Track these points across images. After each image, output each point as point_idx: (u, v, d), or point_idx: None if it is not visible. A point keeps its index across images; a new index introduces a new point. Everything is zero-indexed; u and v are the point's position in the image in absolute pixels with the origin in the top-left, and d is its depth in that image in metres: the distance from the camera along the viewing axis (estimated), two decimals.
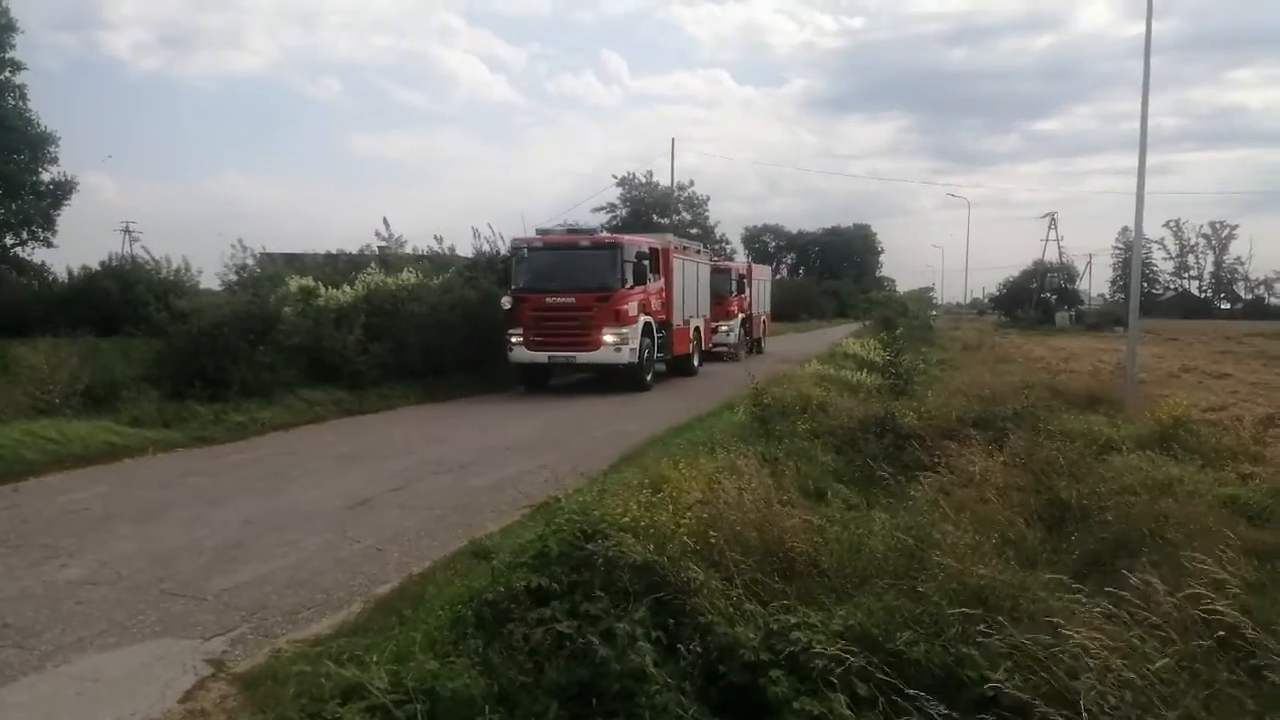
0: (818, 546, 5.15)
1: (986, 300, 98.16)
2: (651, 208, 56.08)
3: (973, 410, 10.99)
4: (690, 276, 22.55)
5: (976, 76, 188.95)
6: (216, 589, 5.77)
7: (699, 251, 24.76)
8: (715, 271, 26.94)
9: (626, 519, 4.72)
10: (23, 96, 38.44)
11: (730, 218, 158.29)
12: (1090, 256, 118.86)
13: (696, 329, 23.03)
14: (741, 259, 57.86)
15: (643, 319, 18.39)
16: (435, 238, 22.86)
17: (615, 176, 57.17)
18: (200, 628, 5.13)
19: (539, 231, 20.00)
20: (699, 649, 3.92)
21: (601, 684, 3.66)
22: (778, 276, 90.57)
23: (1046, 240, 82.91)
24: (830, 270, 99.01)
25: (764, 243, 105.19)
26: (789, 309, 64.21)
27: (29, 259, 38.41)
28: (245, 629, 5.12)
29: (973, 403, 11.67)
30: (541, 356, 17.67)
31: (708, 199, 64.28)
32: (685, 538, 4.59)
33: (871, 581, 4.75)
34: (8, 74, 38.38)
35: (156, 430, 11.32)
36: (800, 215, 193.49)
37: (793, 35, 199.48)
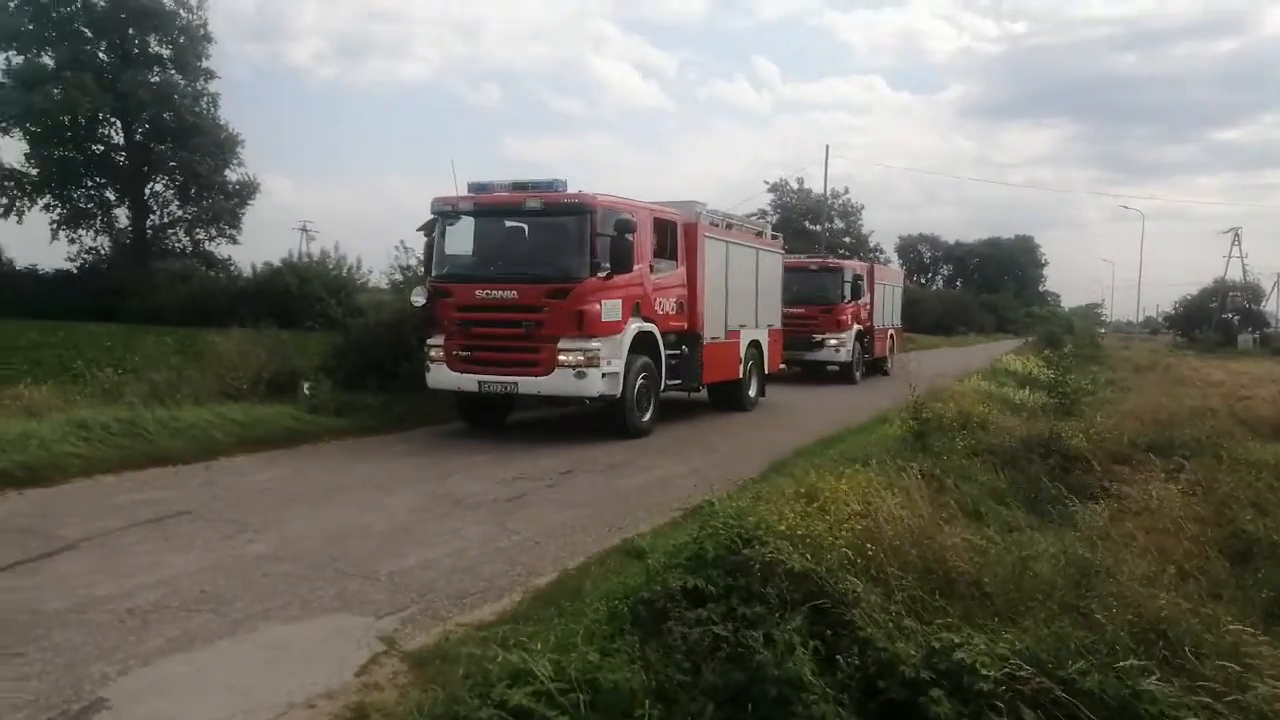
0: (979, 567, 5.02)
1: (1160, 319, 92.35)
2: (803, 215, 55.58)
3: (1146, 434, 10.42)
4: (741, 268, 15.58)
5: (1148, 83, 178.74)
6: (387, 570, 6.10)
7: (762, 235, 17.48)
8: (821, 270, 23.55)
9: (782, 526, 4.72)
10: (214, 103, 41.63)
11: (883, 226, 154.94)
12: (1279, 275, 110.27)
13: (754, 344, 16.14)
14: (894, 265, 56.24)
15: (632, 327, 11.94)
16: None
17: (767, 182, 56.91)
18: (373, 606, 5.43)
19: (472, 188, 12.30)
20: (857, 662, 3.89)
21: (758, 688, 3.69)
22: (934, 288, 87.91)
23: (1229, 257, 77.57)
24: (989, 283, 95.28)
25: (919, 253, 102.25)
26: (944, 322, 62.25)
27: (217, 254, 41.54)
28: (415, 609, 5.39)
29: (1146, 426, 11.05)
30: (470, 381, 11.68)
31: (862, 207, 63.13)
32: (844, 549, 4.55)
33: (1037, 606, 4.59)
34: (202, 82, 41.70)
35: (330, 418, 12.03)
36: (957, 225, 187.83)
37: (951, 40, 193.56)
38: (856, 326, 23.29)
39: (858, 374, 23.48)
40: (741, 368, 15.57)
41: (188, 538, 6.78)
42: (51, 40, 38.94)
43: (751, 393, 16.20)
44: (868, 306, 24.68)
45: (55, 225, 40.88)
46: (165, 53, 40.71)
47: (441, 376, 11.96)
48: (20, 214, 40.51)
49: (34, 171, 40.36)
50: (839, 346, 22.65)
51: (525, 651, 3.84)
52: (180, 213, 42.97)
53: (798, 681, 3.66)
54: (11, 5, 38.29)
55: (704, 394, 15.66)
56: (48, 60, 38.80)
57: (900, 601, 4.36)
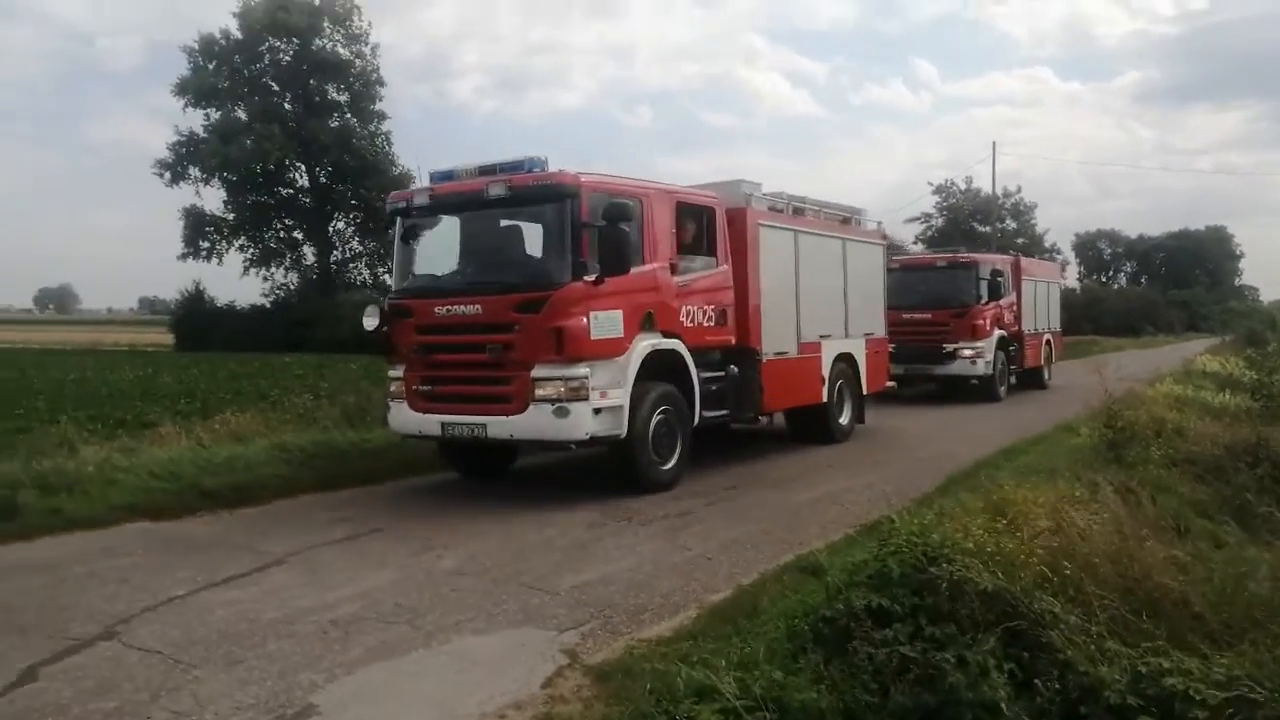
0: (1186, 585, 4.68)
1: None
2: (971, 216, 53.57)
3: None
4: (819, 263, 12.56)
5: None
6: (567, 585, 6.25)
7: (853, 221, 14.07)
8: (951, 267, 19.65)
9: (970, 544, 4.55)
10: (388, 142, 44.10)
11: (1056, 224, 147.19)
12: None
13: (844, 358, 13.07)
14: (1070, 266, 53.33)
15: (641, 345, 9.21)
16: None
17: (931, 184, 55.10)
18: (555, 620, 5.57)
19: (434, 177, 9.80)
20: (1057, 686, 3.70)
21: (950, 712, 3.57)
22: (1115, 286, 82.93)
23: None
24: (1177, 279, 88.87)
25: (1098, 249, 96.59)
26: (1129, 322, 58.55)
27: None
28: (594, 624, 5.50)
29: None
30: (432, 424, 9.25)
31: (1034, 206, 60.25)
32: (1038, 566, 4.34)
33: (1256, 628, 4.24)
34: (376, 124, 44.34)
35: None
36: (1138, 218, 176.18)
37: (1123, 24, 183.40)
38: (998, 332, 19.55)
39: (1002, 389, 19.75)
40: (826, 389, 12.57)
41: (381, 554, 7.17)
42: (244, 95, 42.39)
43: (843, 419, 13.19)
44: (1013, 308, 20.87)
45: (248, 264, 44.39)
46: (343, 99, 43.56)
47: (402, 418, 9.52)
48: (220, 256, 44.32)
49: (230, 216, 44.00)
50: (975, 357, 18.87)
51: (708, 669, 3.85)
52: (360, 248, 45.83)
53: (993, 706, 3.53)
54: (209, 67, 41.86)
55: (762, 424, 13.13)
56: (241, 114, 42.24)
57: (1101, 622, 4.12)
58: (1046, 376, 22.98)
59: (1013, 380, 20.78)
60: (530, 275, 8.99)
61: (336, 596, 6.03)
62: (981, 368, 18.99)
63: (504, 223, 9.73)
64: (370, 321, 9.57)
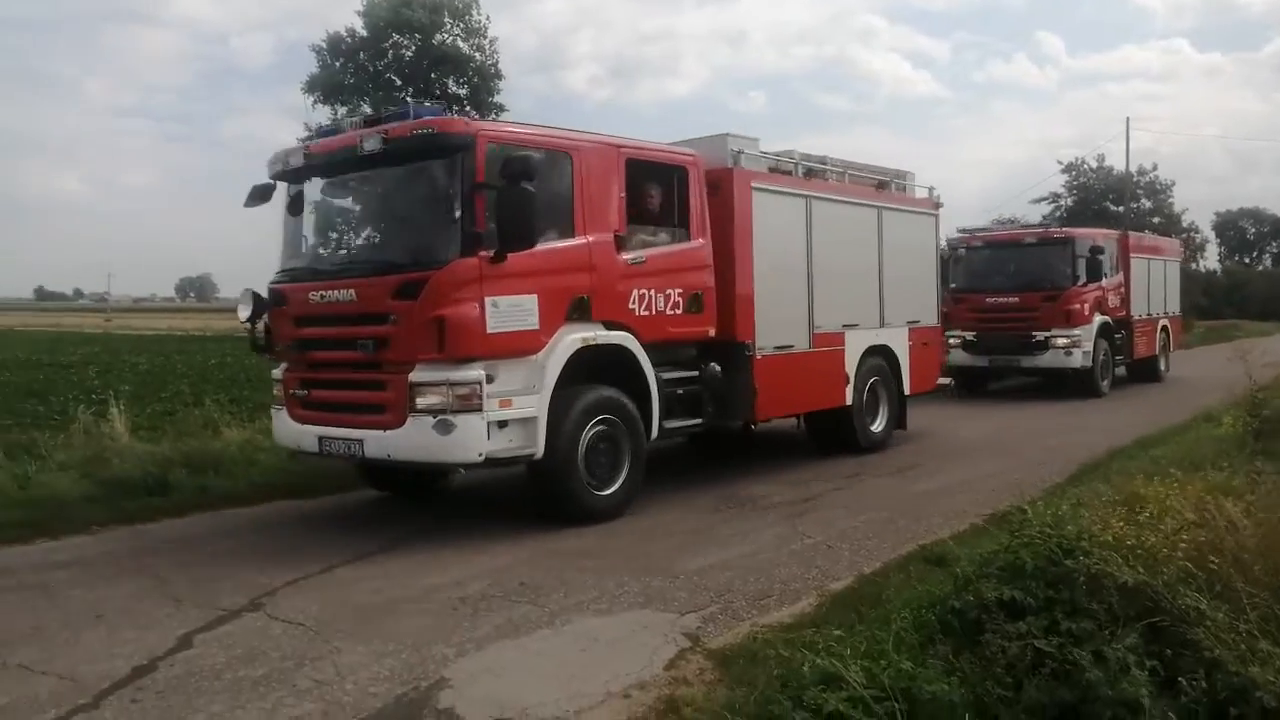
0: None
1: None
2: (1102, 195, 51.14)
3: None
4: (842, 236, 10.54)
5: None
6: (687, 569, 6.30)
7: (889, 186, 11.74)
8: (1041, 243, 17.41)
9: (1107, 536, 4.38)
10: None
11: (1195, 202, 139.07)
12: None
13: (878, 352, 11.15)
14: (1210, 246, 50.28)
15: (567, 339, 7.47)
16: None
17: (1060, 162, 52.73)
18: (676, 603, 5.62)
19: (320, 134, 8.17)
20: (1204, 685, 3.53)
21: (1088, 709, 3.44)
22: (1260, 267, 78.05)
23: None
24: None
25: (1240, 229, 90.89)
26: (1275, 307, 55.02)
27: None
28: (715, 609, 5.53)
29: None
30: (309, 438, 7.60)
31: (1171, 184, 57.08)
32: (1183, 561, 4.14)
33: None
34: (494, 116, 45.13)
35: None
36: None
37: None
38: (1100, 318, 17.24)
39: (1104, 383, 17.43)
40: (851, 389, 10.54)
41: (507, 533, 7.30)
42: (368, 91, 43.70)
43: (876, 425, 11.12)
44: (1120, 289, 18.40)
45: None
46: (462, 93, 44.45)
47: (282, 428, 7.92)
48: None
49: None
50: (1071, 347, 16.57)
51: (833, 656, 3.82)
52: None
53: (1134, 704, 3.39)
54: (336, 64, 43.40)
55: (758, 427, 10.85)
56: (366, 109, 43.58)
57: (1252, 620, 3.90)
58: (1162, 367, 20.59)
59: (1120, 372, 18.91)
60: (411, 252, 7.17)
61: (465, 574, 6.24)
62: (1078, 359, 16.66)
63: (388, 187, 7.86)
64: (243, 310, 7.99)
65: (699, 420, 8.74)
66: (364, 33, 43.04)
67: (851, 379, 10.62)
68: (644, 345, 8.01)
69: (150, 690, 4.42)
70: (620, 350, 7.88)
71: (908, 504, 8.35)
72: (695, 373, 8.74)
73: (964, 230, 18.92)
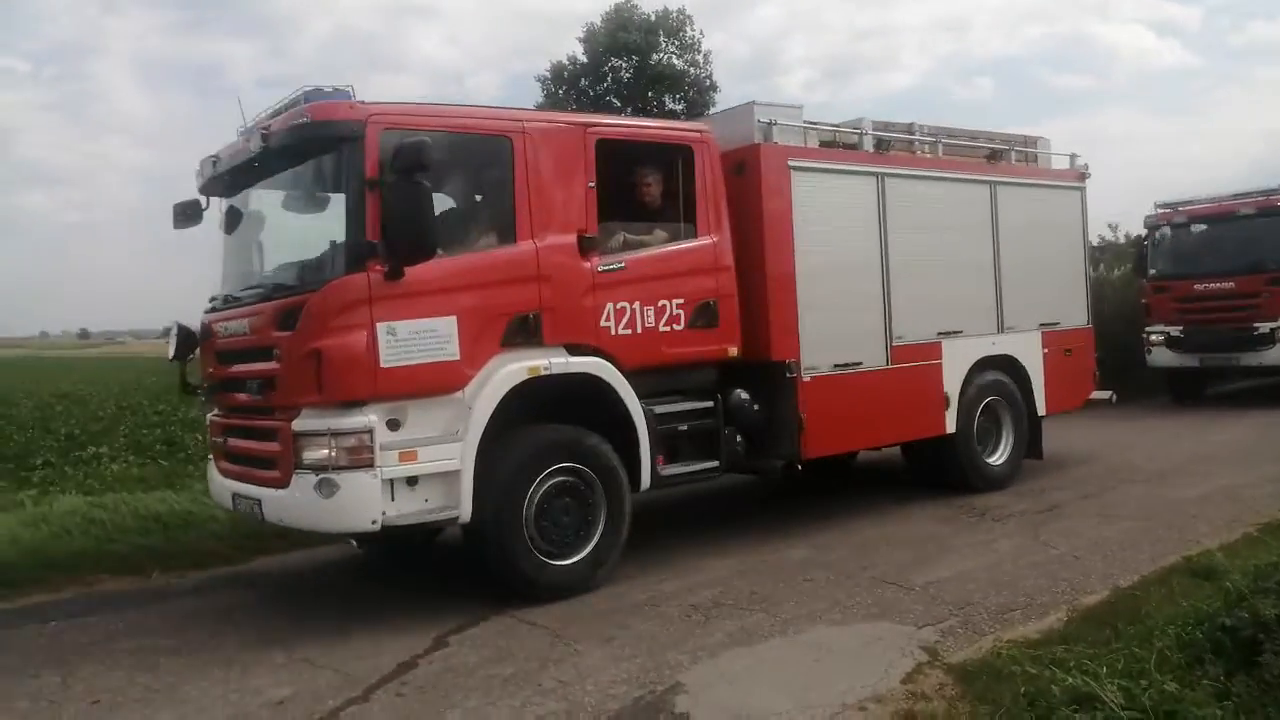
0: None
1: None
2: None
3: None
4: (934, 221, 8.49)
5: None
6: (922, 581, 6.11)
7: (1003, 157, 9.44)
8: (1261, 214, 14.30)
9: None
10: None
11: None
12: None
13: (998, 364, 9.08)
14: None
15: (501, 371, 5.93)
16: (1109, 225, 21.01)
17: None
18: (911, 615, 5.46)
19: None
20: None
21: None
22: None
23: None
24: None
25: None
26: None
27: None
28: (953, 622, 5.32)
29: None
30: (225, 493, 6.47)
31: None
32: None
33: None
34: None
35: None
36: None
37: None
38: None
39: None
40: (952, 412, 8.47)
41: (727, 543, 7.35)
42: (590, 112, 45.37)
43: (996, 456, 9.05)
44: None
45: None
46: (678, 108, 45.28)
47: (212, 482, 6.80)
48: None
49: None
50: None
51: (1087, 675, 3.60)
52: None
53: None
54: (560, 92, 45.41)
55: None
56: None
57: None
58: None
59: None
60: (298, 271, 6.12)
61: (694, 581, 6.34)
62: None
63: (284, 193, 6.62)
64: (170, 346, 6.87)
65: (715, 463, 6.97)
66: (584, 59, 44.78)
67: (954, 400, 8.50)
68: (627, 372, 6.36)
69: (412, 685, 4.79)
70: (590, 381, 6.26)
71: (1167, 512, 7.72)
72: (709, 403, 6.96)
73: (1164, 205, 15.87)
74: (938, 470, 8.83)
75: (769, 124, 7.47)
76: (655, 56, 43.34)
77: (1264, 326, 13.97)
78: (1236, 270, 14.43)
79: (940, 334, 8.50)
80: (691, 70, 44.20)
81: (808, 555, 6.94)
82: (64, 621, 6.11)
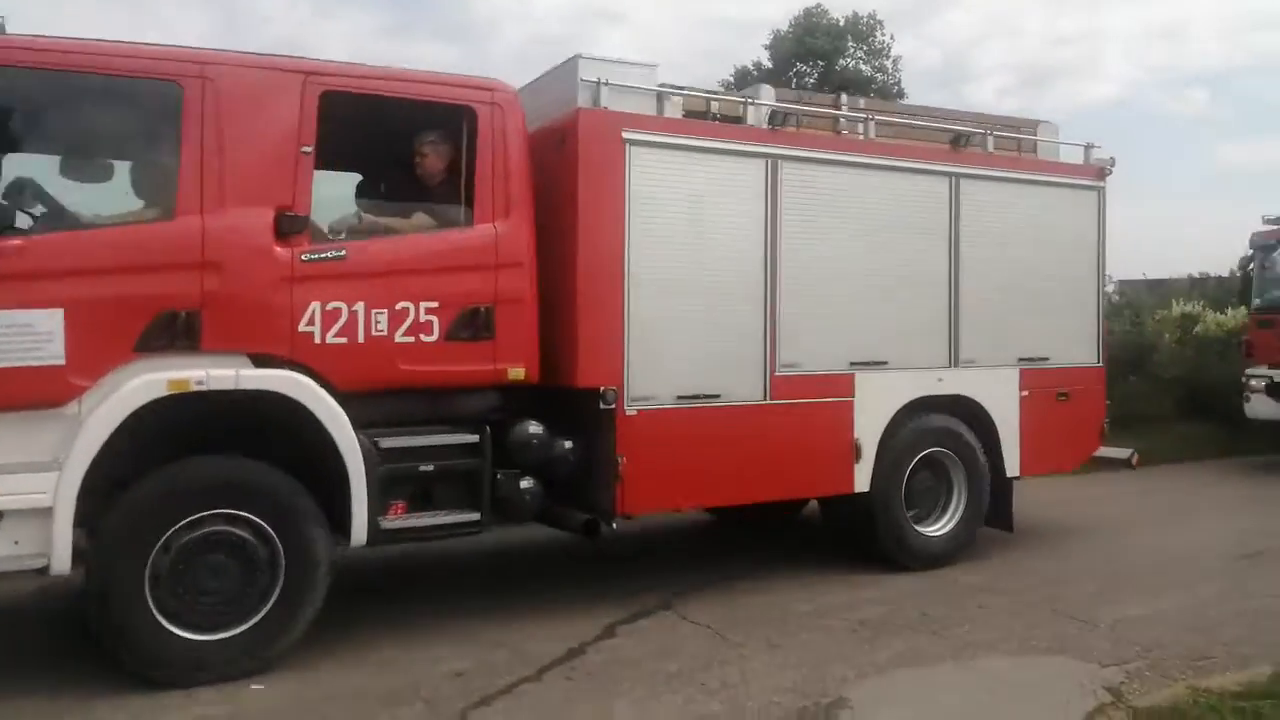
0: None
1: None
2: None
3: None
4: (849, 217, 6.63)
5: None
6: (1108, 618, 5.79)
7: (961, 142, 7.17)
8: None
9: None
10: None
11: None
12: None
13: (931, 406, 7.04)
14: None
15: (132, 384, 4.57)
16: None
17: None
18: (1095, 653, 5.19)
19: None
20: None
21: None
22: None
23: None
24: None
25: None
26: None
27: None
28: (1141, 664, 5.02)
29: None
30: None
31: None
32: None
33: None
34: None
35: None
36: None
37: None
38: None
39: None
40: (865, 465, 6.66)
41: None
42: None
43: (935, 527, 7.15)
44: None
45: None
46: None
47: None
48: None
49: None
50: None
51: None
52: None
53: None
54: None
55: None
56: None
57: None
58: None
59: None
60: None
61: (857, 598, 6.24)
62: None
63: None
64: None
65: (475, 515, 5.43)
66: (769, 65, 44.70)
67: (869, 450, 6.67)
68: (342, 393, 4.98)
69: (581, 671, 4.96)
70: (278, 402, 4.86)
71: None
72: (473, 437, 5.44)
73: (1275, 221, 12.79)
74: (852, 537, 7.16)
75: (596, 83, 5.78)
76: (842, 62, 42.73)
77: None
78: None
79: (855, 364, 6.65)
80: (879, 76, 43.34)
81: (984, 581, 6.69)
82: None
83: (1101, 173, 7.90)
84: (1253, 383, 12.10)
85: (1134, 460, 8.24)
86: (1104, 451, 8.05)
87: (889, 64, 43.85)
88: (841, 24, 42.84)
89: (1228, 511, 9.13)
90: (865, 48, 43.25)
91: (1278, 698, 4.37)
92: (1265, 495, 9.97)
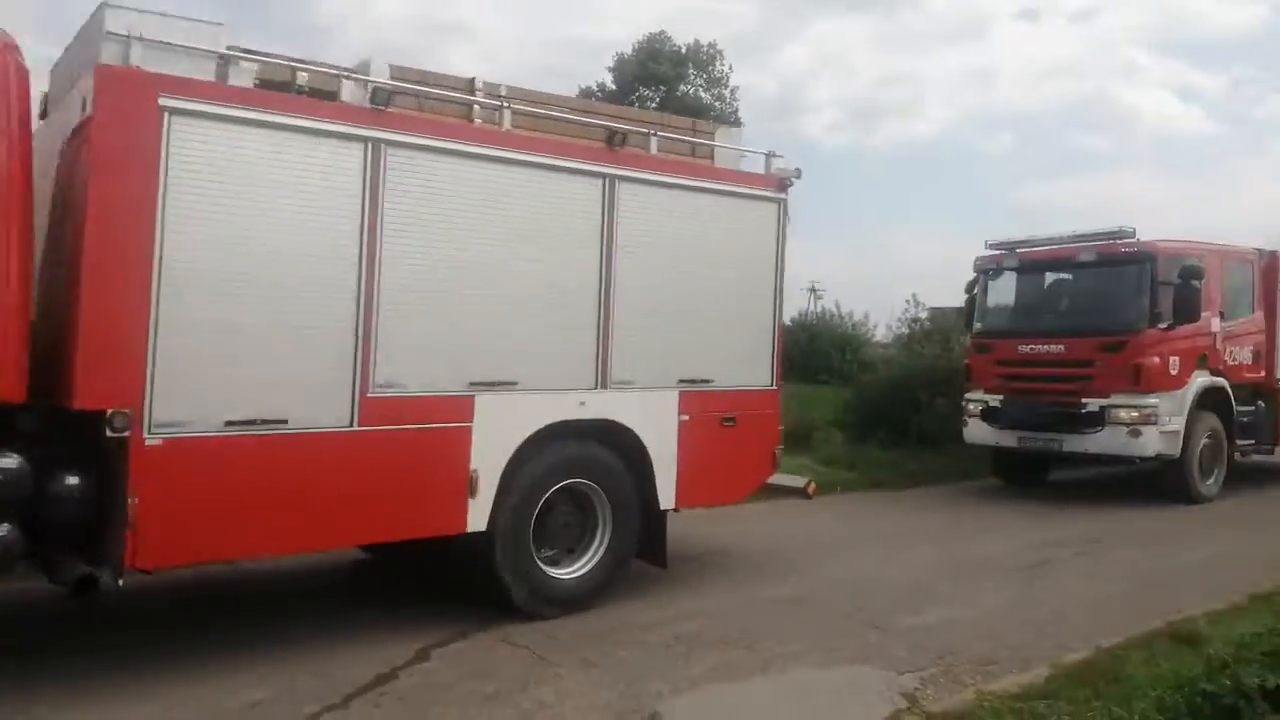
0: None
1: None
2: None
3: None
4: (494, 222, 5.89)
5: None
6: (907, 626, 6.10)
7: (616, 140, 6.46)
8: (1100, 264, 11.55)
9: None
10: None
11: None
12: None
13: (567, 433, 6.27)
14: None
15: None
16: None
17: None
18: (894, 661, 5.46)
19: None
20: None
21: None
22: None
23: None
24: None
25: None
26: None
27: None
28: (935, 670, 5.32)
29: None
30: None
31: None
32: None
33: None
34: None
35: (842, 471, 12.39)
36: None
37: None
38: (1203, 378, 11.31)
39: (1208, 482, 11.49)
40: (485, 500, 5.87)
41: (721, 576, 7.39)
42: None
43: (571, 568, 6.44)
44: (1259, 337, 12.38)
45: None
46: None
47: None
48: None
49: None
50: (1141, 422, 10.73)
51: None
52: None
53: None
54: None
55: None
56: None
57: None
58: None
59: (1255, 456, 12.74)
60: None
61: (678, 613, 6.33)
62: (1153, 442, 10.72)
63: None
64: None
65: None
66: (613, 87, 45.18)
67: (489, 483, 5.86)
68: None
69: (391, 696, 4.79)
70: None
71: (1157, 575, 7.72)
72: None
73: (997, 246, 12.75)
74: (466, 580, 6.37)
75: (127, 38, 4.76)
76: (683, 88, 43.77)
77: (1093, 404, 10.98)
78: (1067, 330, 11.54)
79: (476, 385, 5.83)
80: (717, 104, 44.64)
81: (795, 593, 6.92)
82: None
83: (783, 184, 7.27)
84: (970, 407, 12.17)
85: (809, 489, 8.00)
86: (778, 479, 7.65)
87: (727, 93, 45.26)
88: (684, 51, 43.89)
89: (1025, 522, 9.81)
90: (705, 76, 44.45)
91: (1054, 698, 4.71)
92: (1043, 512, 10.79)
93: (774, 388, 7.32)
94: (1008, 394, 11.73)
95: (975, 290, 12.79)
